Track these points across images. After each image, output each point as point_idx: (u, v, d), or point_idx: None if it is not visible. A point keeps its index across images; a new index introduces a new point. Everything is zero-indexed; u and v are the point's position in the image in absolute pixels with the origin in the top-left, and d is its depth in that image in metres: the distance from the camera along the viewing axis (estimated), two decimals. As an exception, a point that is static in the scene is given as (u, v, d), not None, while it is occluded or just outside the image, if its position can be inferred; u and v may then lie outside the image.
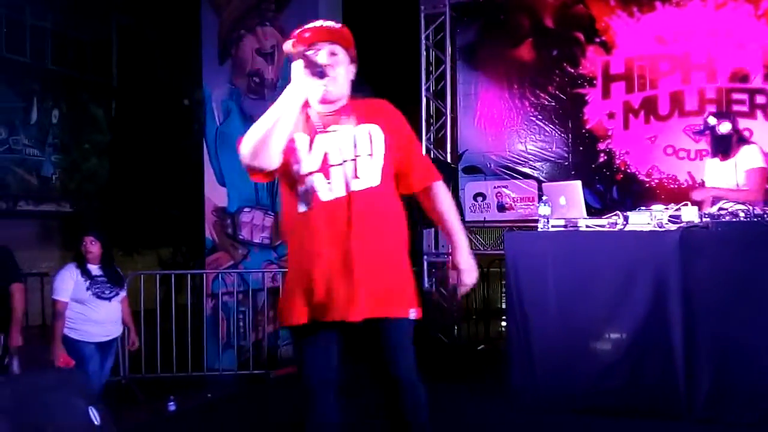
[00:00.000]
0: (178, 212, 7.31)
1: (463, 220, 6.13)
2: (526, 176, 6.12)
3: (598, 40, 5.93)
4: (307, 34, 2.11)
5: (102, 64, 7.82)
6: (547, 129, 6.07)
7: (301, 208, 2.09)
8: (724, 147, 4.25)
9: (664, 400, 3.41)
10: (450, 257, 2.37)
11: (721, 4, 5.60)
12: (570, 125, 6.01)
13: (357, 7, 6.38)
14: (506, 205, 6.09)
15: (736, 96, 5.58)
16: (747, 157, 4.22)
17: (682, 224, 3.56)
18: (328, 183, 2.08)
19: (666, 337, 3.42)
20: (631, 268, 3.54)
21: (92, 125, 7.67)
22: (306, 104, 2.11)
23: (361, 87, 2.26)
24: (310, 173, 2.08)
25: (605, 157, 5.91)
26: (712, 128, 4.25)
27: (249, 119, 6.06)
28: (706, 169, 4.51)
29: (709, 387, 3.34)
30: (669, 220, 3.63)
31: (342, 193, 2.07)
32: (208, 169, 6.21)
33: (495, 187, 6.13)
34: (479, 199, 6.16)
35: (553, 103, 6.06)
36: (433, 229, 6.32)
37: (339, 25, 2.22)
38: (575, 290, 3.64)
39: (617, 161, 5.86)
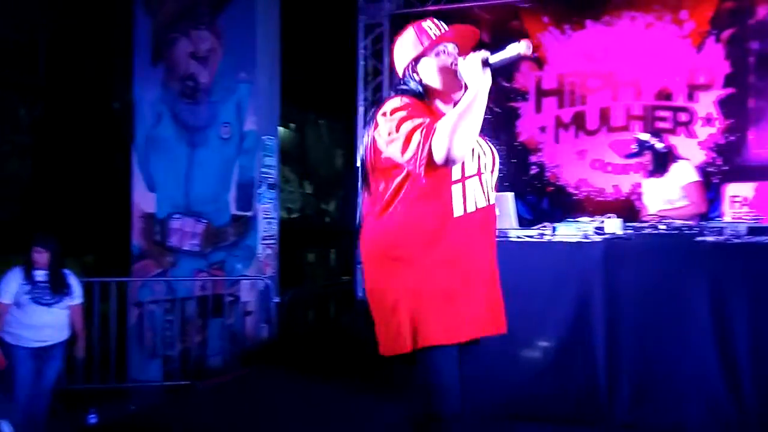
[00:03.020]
0: (104, 218, 7.07)
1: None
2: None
3: (531, 55, 6.05)
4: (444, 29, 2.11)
5: (29, 64, 7.51)
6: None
7: (458, 212, 2.01)
8: (664, 164, 4.41)
9: (587, 406, 3.48)
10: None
11: (649, 24, 5.82)
12: (503, 138, 6.12)
13: (295, 15, 6.35)
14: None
15: (660, 113, 5.80)
16: (681, 173, 4.39)
17: (606, 236, 3.65)
18: (481, 189, 2.04)
19: (590, 344, 3.49)
20: (558, 277, 3.60)
21: (13, 126, 7.35)
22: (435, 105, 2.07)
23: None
24: (470, 176, 2.03)
25: (537, 170, 6.04)
26: (652, 146, 4.41)
27: (182, 124, 5.94)
28: (644, 191, 4.64)
29: (629, 393, 3.43)
30: (594, 232, 3.72)
31: (485, 203, 2.04)
32: (136, 173, 6.03)
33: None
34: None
35: (488, 116, 6.08)
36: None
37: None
38: (504, 299, 3.67)
39: (548, 174, 6.00)
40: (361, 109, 6.50)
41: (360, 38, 6.48)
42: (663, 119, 5.79)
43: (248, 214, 5.72)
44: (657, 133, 4.69)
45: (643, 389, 3.42)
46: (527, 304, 3.61)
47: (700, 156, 5.66)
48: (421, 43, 2.08)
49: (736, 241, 3.48)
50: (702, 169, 5.31)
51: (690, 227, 3.72)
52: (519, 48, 1.93)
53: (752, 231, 3.50)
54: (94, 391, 5.05)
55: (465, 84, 1.98)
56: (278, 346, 5.43)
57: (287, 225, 7.89)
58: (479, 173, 2.03)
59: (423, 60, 2.08)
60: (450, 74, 2.05)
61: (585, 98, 5.97)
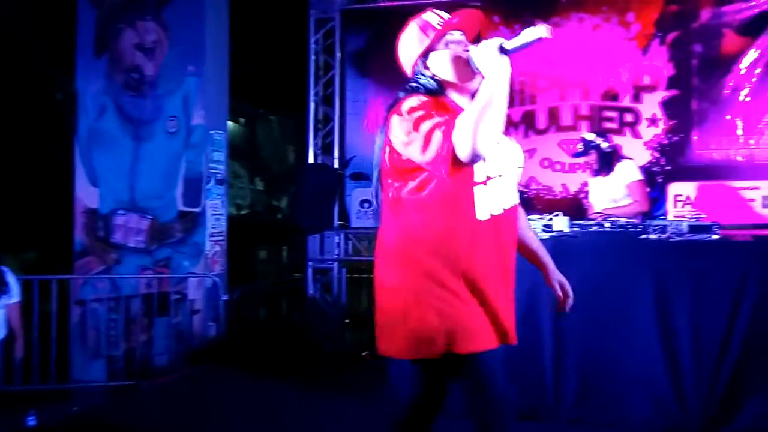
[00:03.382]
0: (44, 213, 6.84)
1: (349, 226, 6.24)
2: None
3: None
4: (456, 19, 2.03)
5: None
6: (433, 139, 6.17)
7: (482, 215, 1.94)
8: (609, 163, 4.49)
9: (536, 403, 3.52)
10: (546, 275, 2.31)
11: (597, 25, 5.92)
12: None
13: (245, 8, 6.24)
14: (392, 213, 6.12)
15: (607, 113, 5.91)
16: (626, 172, 4.49)
17: (553, 233, 3.71)
18: (504, 191, 1.99)
19: (538, 341, 3.54)
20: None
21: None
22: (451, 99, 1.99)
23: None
24: (494, 177, 1.97)
25: (487, 168, 6.08)
26: (597, 146, 4.48)
27: (126, 117, 5.78)
28: (590, 189, 4.72)
29: (575, 389, 3.48)
30: (542, 230, 3.76)
31: (507, 205, 2.00)
32: (79, 167, 5.84)
33: (382, 195, 6.15)
34: (366, 205, 6.17)
35: (441, 115, 6.17)
36: (318, 236, 6.26)
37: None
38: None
39: (498, 172, 6.05)
40: (312, 105, 6.44)
41: (311, 33, 6.42)
42: (610, 119, 5.89)
43: (196, 210, 5.60)
44: (602, 133, 4.78)
45: (589, 385, 3.47)
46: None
47: (645, 156, 5.78)
48: (427, 36, 2.01)
49: (678, 238, 3.57)
50: (647, 169, 5.45)
51: (634, 225, 3.80)
52: (539, 32, 1.82)
53: (693, 229, 3.59)
54: (34, 392, 4.88)
55: (479, 72, 1.88)
56: (226, 344, 5.34)
57: (237, 221, 7.78)
58: (503, 174, 1.99)
59: (432, 53, 2.01)
60: (462, 64, 1.96)
61: (535, 98, 6.04)
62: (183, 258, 5.60)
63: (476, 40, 2.00)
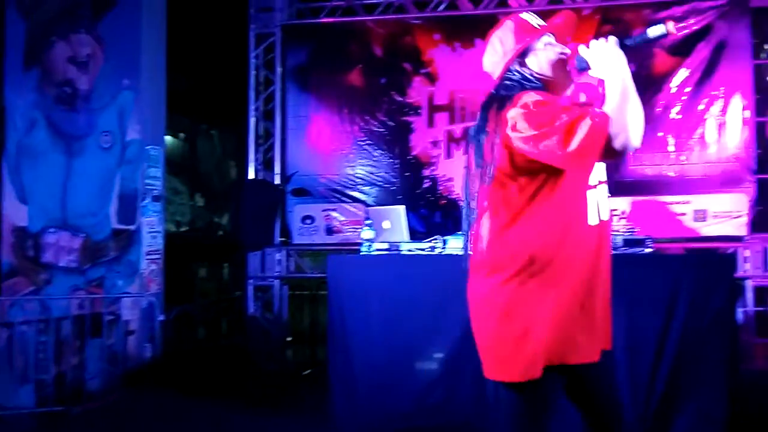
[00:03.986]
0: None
1: (291, 243, 6.16)
2: (355, 200, 6.17)
3: (423, 71, 6.16)
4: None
5: None
6: (376, 154, 6.18)
7: (593, 221, 1.89)
8: None
9: (475, 416, 3.51)
10: None
11: (533, 45, 6.04)
12: (397, 151, 6.16)
13: (184, 23, 6.14)
14: (335, 229, 6.08)
15: (545, 130, 6.02)
16: None
17: (494, 248, 3.72)
18: (608, 198, 1.97)
19: (477, 354, 3.53)
20: (447, 289, 3.62)
21: None
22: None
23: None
24: (602, 182, 1.95)
25: (429, 183, 6.11)
26: None
27: (58, 132, 5.58)
28: None
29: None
30: (483, 245, 3.78)
31: (607, 215, 1.97)
32: (6, 184, 5.60)
33: (324, 210, 6.12)
34: (308, 221, 6.10)
35: (382, 130, 6.19)
36: (260, 252, 6.16)
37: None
38: (397, 312, 3.67)
39: (440, 187, 6.09)
40: (252, 120, 6.36)
41: (251, 48, 6.36)
42: (548, 136, 6.00)
43: (131, 227, 5.43)
44: None
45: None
46: (419, 316, 3.63)
47: (581, 171, 5.90)
48: (527, 35, 1.96)
49: (614, 252, 3.62)
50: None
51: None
52: (663, 29, 1.84)
53: (627, 242, 3.66)
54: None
55: (583, 73, 1.91)
56: (163, 366, 5.18)
57: (176, 239, 7.61)
58: (603, 181, 1.98)
59: (531, 53, 1.97)
60: (561, 65, 1.96)
61: (475, 114, 6.06)
62: (117, 277, 5.42)
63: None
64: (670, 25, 1.83)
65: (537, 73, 1.96)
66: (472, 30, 6.11)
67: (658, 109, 5.85)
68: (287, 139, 6.31)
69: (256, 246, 6.05)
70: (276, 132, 6.34)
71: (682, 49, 5.82)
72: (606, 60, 1.85)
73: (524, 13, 2.02)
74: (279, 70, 6.34)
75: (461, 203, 2.03)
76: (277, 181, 6.27)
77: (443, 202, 6.08)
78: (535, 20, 2.00)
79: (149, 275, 5.47)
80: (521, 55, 1.97)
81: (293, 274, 6.35)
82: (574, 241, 1.86)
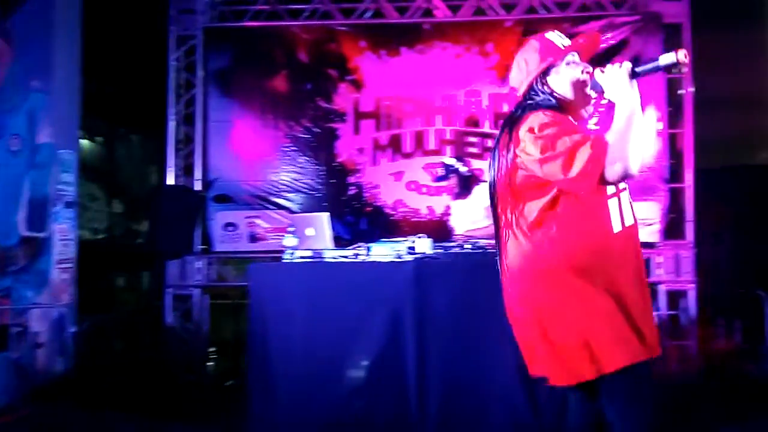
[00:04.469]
0: None
1: (212, 251, 6.00)
2: (280, 207, 6.07)
3: (349, 78, 6.14)
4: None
5: None
6: (301, 160, 6.11)
7: (617, 228, 1.93)
8: (467, 186, 4.62)
9: (398, 426, 3.51)
10: None
11: (459, 54, 6.12)
12: (322, 158, 6.11)
13: (101, 24, 5.91)
14: (258, 236, 5.96)
15: (469, 139, 6.11)
16: (484, 195, 4.60)
17: (417, 255, 3.74)
18: (630, 204, 1.99)
19: (401, 362, 3.54)
20: (371, 296, 3.62)
21: None
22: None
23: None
24: (623, 190, 1.97)
25: (355, 190, 6.08)
26: (457, 170, 4.61)
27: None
28: (453, 212, 4.84)
29: (437, 409, 3.50)
30: (407, 251, 3.79)
31: (631, 220, 1.98)
32: None
33: (247, 217, 5.99)
34: (230, 228, 5.96)
35: (307, 136, 6.12)
36: (179, 261, 5.97)
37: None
38: (320, 320, 3.64)
39: (366, 194, 6.07)
40: (171, 124, 6.17)
41: (171, 50, 6.17)
42: (472, 144, 6.09)
43: (41, 235, 5.16)
44: (461, 158, 4.92)
45: (450, 405, 3.50)
46: (342, 323, 3.60)
47: (505, 180, 6.01)
48: (550, 54, 2.02)
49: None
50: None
51: (493, 246, 3.89)
52: (673, 57, 1.87)
53: (547, 249, 3.73)
54: None
55: (599, 95, 1.97)
56: (75, 380, 4.94)
57: (92, 247, 7.31)
58: (625, 188, 1.99)
59: (553, 71, 2.03)
60: (581, 86, 2.00)
61: (401, 122, 6.13)
62: (25, 287, 5.14)
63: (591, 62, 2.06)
64: (681, 54, 1.87)
65: (556, 93, 2.03)
66: (398, 38, 6.15)
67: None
68: (209, 144, 6.15)
69: (175, 254, 5.86)
70: (197, 137, 6.17)
71: (599, 62, 6.00)
72: (617, 85, 1.91)
73: (549, 33, 2.08)
74: (200, 73, 6.18)
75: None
76: (198, 187, 6.09)
77: (369, 209, 6.06)
78: (559, 40, 2.06)
79: (60, 285, 5.21)
80: (543, 74, 2.04)
81: (215, 282, 6.19)
82: (596, 249, 1.91)
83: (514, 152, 1.94)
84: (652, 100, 5.90)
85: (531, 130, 1.90)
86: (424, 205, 6.03)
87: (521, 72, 2.10)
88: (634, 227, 1.99)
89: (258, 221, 5.99)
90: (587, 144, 1.80)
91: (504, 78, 6.08)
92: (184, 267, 6.00)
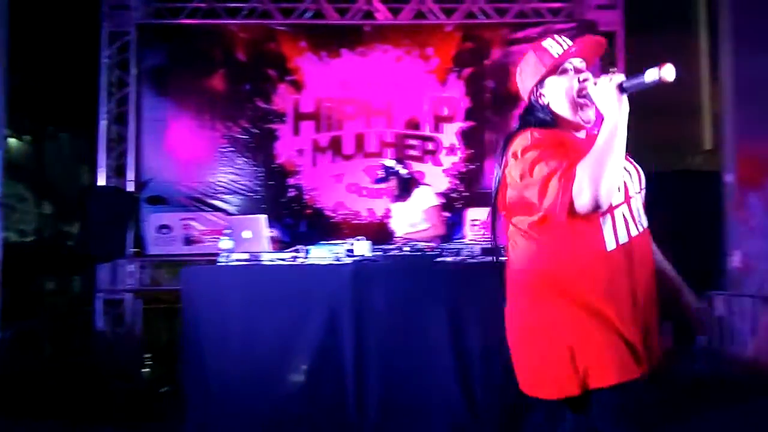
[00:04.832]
0: None
1: (145, 254, 5.82)
2: (217, 209, 5.94)
3: (289, 78, 6.06)
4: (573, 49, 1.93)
5: None
6: (239, 162, 6.00)
7: (611, 245, 1.83)
8: (407, 189, 4.61)
9: (337, 427, 3.47)
10: (681, 299, 2.08)
11: (399, 57, 6.13)
12: (261, 159, 6.01)
13: (30, 15, 5.66)
14: (193, 239, 5.82)
15: (409, 142, 6.12)
16: (423, 198, 4.64)
17: (356, 257, 3.71)
18: (631, 218, 1.87)
19: (340, 364, 3.51)
20: (309, 300, 3.57)
21: None
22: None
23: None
24: (618, 205, 1.85)
25: (295, 192, 6.01)
26: (397, 172, 4.59)
27: None
28: (393, 214, 4.82)
29: (376, 409, 3.48)
30: (346, 254, 3.76)
31: (635, 231, 1.87)
32: None
33: (182, 219, 5.83)
34: (164, 231, 5.79)
35: (245, 137, 6.02)
36: (110, 265, 5.77)
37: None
38: (257, 324, 3.57)
39: (306, 197, 6.01)
40: (103, 123, 5.97)
41: (103, 47, 5.97)
42: (412, 147, 6.11)
43: (-37, 237, 4.91)
44: (401, 160, 4.92)
45: (390, 405, 3.49)
46: (280, 327, 3.54)
47: (445, 183, 6.06)
48: (543, 64, 1.93)
49: (471, 261, 3.73)
50: (446, 195, 5.70)
51: (432, 249, 3.91)
52: (659, 74, 1.75)
53: (485, 251, 3.77)
54: None
55: (592, 105, 1.87)
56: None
57: (20, 249, 7.02)
58: (627, 199, 1.88)
59: (547, 81, 1.94)
60: (575, 95, 1.91)
61: (342, 123, 6.10)
62: (-56, 292, 4.87)
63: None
64: (664, 71, 1.76)
65: (548, 107, 1.95)
66: (339, 40, 6.12)
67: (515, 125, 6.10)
68: (142, 144, 5.97)
69: (106, 257, 5.65)
70: (130, 136, 5.99)
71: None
72: (605, 99, 1.82)
73: (546, 40, 1.97)
74: (134, 71, 6.00)
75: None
76: (131, 188, 5.90)
77: (309, 211, 6.00)
78: (555, 48, 1.95)
79: (-18, 290, 4.96)
80: (539, 84, 1.97)
81: (148, 287, 6.01)
82: (586, 267, 1.85)
83: (503, 172, 1.92)
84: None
85: (515, 154, 1.86)
86: (364, 207, 6.02)
87: (520, 85, 2.05)
88: (638, 239, 1.89)
89: (193, 223, 5.85)
90: (555, 176, 1.75)
91: (444, 81, 6.12)
92: (116, 270, 5.81)
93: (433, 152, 6.13)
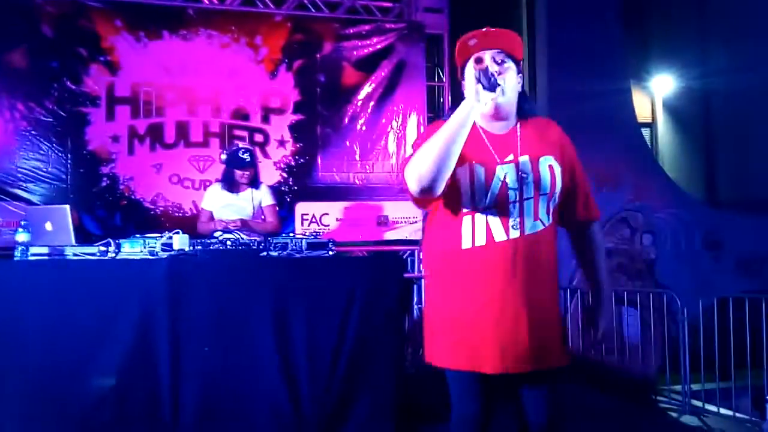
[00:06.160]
0: None
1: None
2: (17, 198, 5.32)
3: (102, 59, 5.57)
4: (472, 41, 1.96)
5: None
6: (43, 147, 5.41)
7: (466, 245, 1.92)
8: (256, 182, 4.70)
9: (150, 429, 3.24)
10: (587, 311, 2.13)
11: (225, 44, 5.87)
12: (69, 145, 5.47)
13: None
14: None
15: (237, 132, 5.89)
16: (261, 194, 4.65)
17: (172, 252, 3.48)
18: (506, 221, 1.90)
19: (153, 366, 3.30)
20: (120, 298, 3.31)
21: None
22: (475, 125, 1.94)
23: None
24: (486, 208, 1.90)
25: (108, 182, 5.54)
26: (256, 164, 4.68)
27: None
28: (210, 197, 4.67)
29: (193, 410, 3.30)
30: (162, 248, 3.52)
31: (516, 234, 1.90)
32: None
33: None
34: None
35: (50, 119, 5.43)
36: None
37: (506, 30, 2.02)
38: (59, 326, 3.24)
39: (121, 186, 5.56)
40: None
41: None
42: (240, 138, 5.88)
43: None
44: (250, 148, 4.82)
45: (210, 405, 3.34)
46: (85, 328, 3.24)
47: (275, 176, 5.92)
48: (460, 55, 2.02)
49: (298, 255, 3.65)
50: (276, 189, 5.55)
51: (257, 243, 3.79)
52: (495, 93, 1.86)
53: (312, 246, 3.72)
54: None
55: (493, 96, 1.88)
56: None
57: None
58: (501, 203, 1.90)
59: (466, 70, 2.01)
60: (473, 83, 1.91)
61: (162, 110, 5.71)
62: None
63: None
64: (498, 92, 1.87)
65: (464, 94, 2.00)
66: (160, 21, 5.72)
67: (346, 120, 6.12)
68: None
69: None
70: None
71: (367, 65, 6.18)
72: (468, 88, 1.95)
73: (470, 33, 2.01)
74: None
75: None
76: None
77: (124, 202, 5.56)
78: (472, 39, 1.99)
79: None
80: (461, 74, 2.05)
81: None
82: (447, 260, 1.98)
83: None
84: (415, 105, 6.21)
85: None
86: (188, 200, 5.70)
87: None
88: (508, 245, 1.91)
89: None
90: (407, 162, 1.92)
91: (273, 72, 5.96)
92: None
93: (262, 144, 5.95)
